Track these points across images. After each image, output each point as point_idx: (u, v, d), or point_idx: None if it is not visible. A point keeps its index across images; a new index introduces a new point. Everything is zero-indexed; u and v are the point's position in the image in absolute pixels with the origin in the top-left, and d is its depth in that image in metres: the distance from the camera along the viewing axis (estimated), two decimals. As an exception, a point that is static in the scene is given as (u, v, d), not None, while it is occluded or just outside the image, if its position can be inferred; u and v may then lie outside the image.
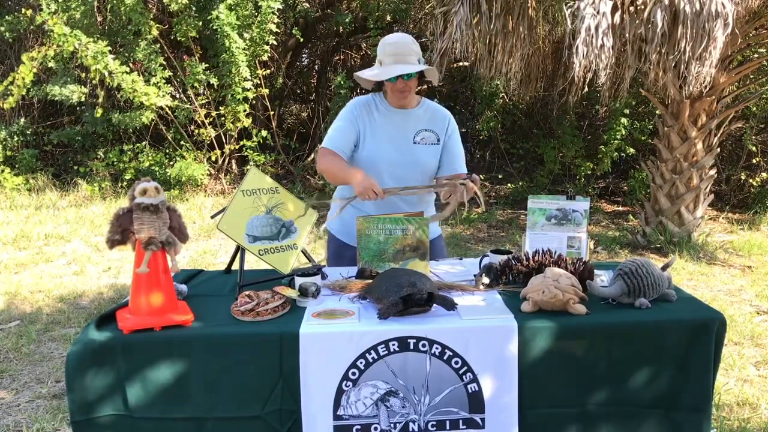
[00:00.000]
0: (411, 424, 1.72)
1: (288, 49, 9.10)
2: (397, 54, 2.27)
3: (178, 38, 7.49)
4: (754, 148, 7.90)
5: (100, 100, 7.53)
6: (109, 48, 7.02)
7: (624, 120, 7.72)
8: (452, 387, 1.72)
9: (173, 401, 1.69)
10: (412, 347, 1.70)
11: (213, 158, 8.06)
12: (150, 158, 7.89)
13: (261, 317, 1.78)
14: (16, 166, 8.16)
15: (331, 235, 2.63)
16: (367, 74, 2.33)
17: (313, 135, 9.01)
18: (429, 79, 2.43)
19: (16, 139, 8.16)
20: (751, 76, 7.02)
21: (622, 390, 1.75)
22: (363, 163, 2.41)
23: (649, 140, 7.98)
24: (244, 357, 1.69)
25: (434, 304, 1.80)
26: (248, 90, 7.52)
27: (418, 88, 2.45)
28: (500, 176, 8.77)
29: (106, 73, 6.99)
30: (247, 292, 1.88)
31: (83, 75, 7.66)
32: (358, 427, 1.71)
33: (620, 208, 7.95)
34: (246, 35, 7.31)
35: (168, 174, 7.71)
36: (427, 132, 2.44)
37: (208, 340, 1.69)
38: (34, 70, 7.10)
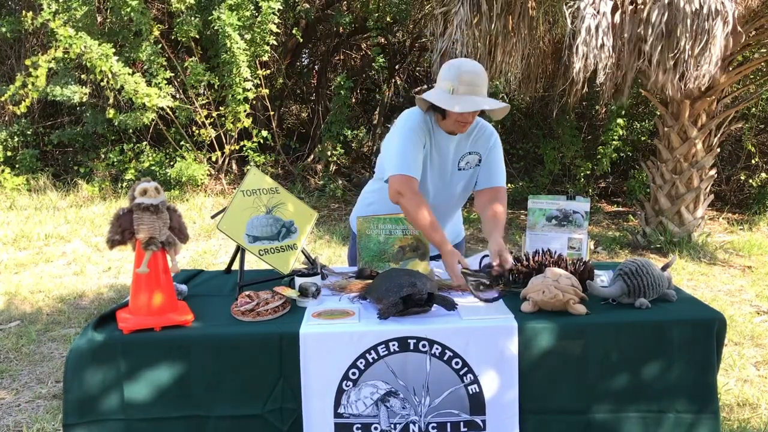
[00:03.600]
0: (411, 425, 1.72)
1: (288, 49, 9.09)
2: (473, 85, 2.10)
3: (179, 38, 7.49)
4: (753, 149, 7.90)
5: (111, 101, 7.53)
6: (113, 50, 7.03)
7: (621, 121, 7.71)
8: (453, 388, 1.72)
9: (173, 401, 1.69)
10: (412, 347, 1.70)
11: (213, 158, 8.06)
12: (150, 158, 7.89)
13: (261, 317, 1.78)
14: (17, 166, 8.16)
15: (354, 234, 2.49)
16: (441, 102, 2.11)
17: (313, 135, 9.01)
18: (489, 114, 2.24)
19: (16, 139, 8.16)
20: (751, 76, 7.02)
21: (622, 391, 1.75)
22: None
23: (649, 140, 7.99)
24: (245, 357, 1.69)
25: (434, 305, 1.80)
26: (248, 90, 7.52)
27: None
28: (500, 176, 8.76)
29: (110, 75, 7.00)
30: (247, 293, 1.88)
31: (83, 76, 7.66)
32: (359, 425, 1.71)
33: (620, 209, 7.95)
34: (246, 36, 7.31)
35: (168, 174, 7.71)
36: (471, 155, 2.32)
37: (208, 340, 1.69)
38: (45, 74, 7.09)
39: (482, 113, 2.26)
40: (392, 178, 2.16)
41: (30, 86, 7.04)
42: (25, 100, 7.11)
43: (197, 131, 7.88)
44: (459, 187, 2.36)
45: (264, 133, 7.99)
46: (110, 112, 7.40)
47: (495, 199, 2.32)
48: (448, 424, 1.72)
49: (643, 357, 1.75)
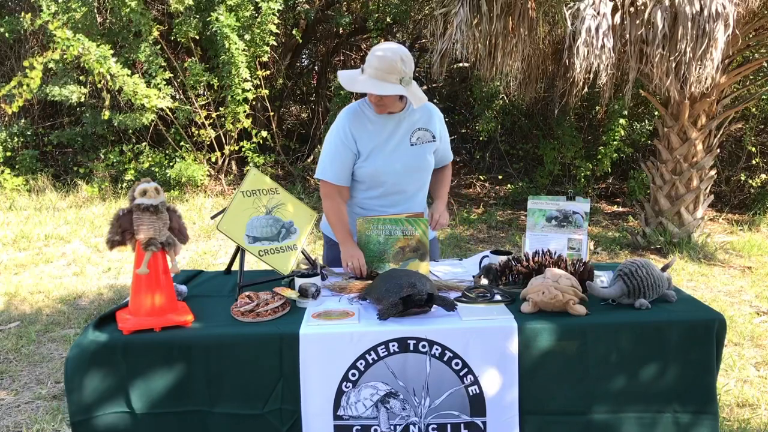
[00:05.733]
0: (411, 427, 1.72)
1: (288, 50, 9.10)
2: (378, 69, 2.17)
3: (178, 39, 7.49)
4: (753, 149, 7.90)
5: (107, 103, 7.53)
6: (112, 51, 7.02)
7: (622, 121, 7.72)
8: (453, 389, 1.72)
9: (173, 402, 1.69)
10: (412, 348, 1.70)
11: (213, 159, 8.06)
12: (150, 159, 7.89)
13: (261, 318, 1.78)
14: (16, 166, 8.15)
15: (325, 237, 2.57)
16: (343, 79, 2.29)
17: (313, 136, 9.01)
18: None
19: (16, 140, 8.15)
20: (751, 77, 7.02)
21: (622, 391, 1.75)
22: (365, 178, 2.35)
23: (649, 141, 7.99)
24: (245, 357, 1.69)
25: (434, 305, 1.79)
26: (248, 91, 7.52)
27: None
28: (500, 177, 8.77)
29: (109, 76, 7.00)
30: (247, 293, 1.88)
31: (82, 77, 7.65)
32: (358, 427, 1.71)
33: (620, 209, 7.95)
34: (246, 36, 7.31)
35: (168, 175, 7.71)
36: (421, 131, 2.40)
37: (208, 341, 1.69)
38: (40, 75, 7.09)
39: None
40: (321, 183, 2.41)
41: (25, 87, 7.03)
42: (17, 100, 7.11)
43: (197, 132, 7.88)
44: (413, 162, 2.38)
45: (264, 133, 7.99)
46: (105, 114, 7.40)
47: (444, 168, 2.60)
48: (449, 426, 1.72)
49: (643, 358, 1.75)
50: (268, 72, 8.01)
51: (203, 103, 7.73)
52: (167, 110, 7.49)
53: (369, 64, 2.21)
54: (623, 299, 1.87)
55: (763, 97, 7.51)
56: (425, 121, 2.41)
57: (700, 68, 4.40)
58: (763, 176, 7.81)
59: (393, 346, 1.70)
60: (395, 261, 2.19)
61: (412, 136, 2.37)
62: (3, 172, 7.95)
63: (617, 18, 4.66)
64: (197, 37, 7.58)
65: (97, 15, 7.55)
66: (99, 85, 7.32)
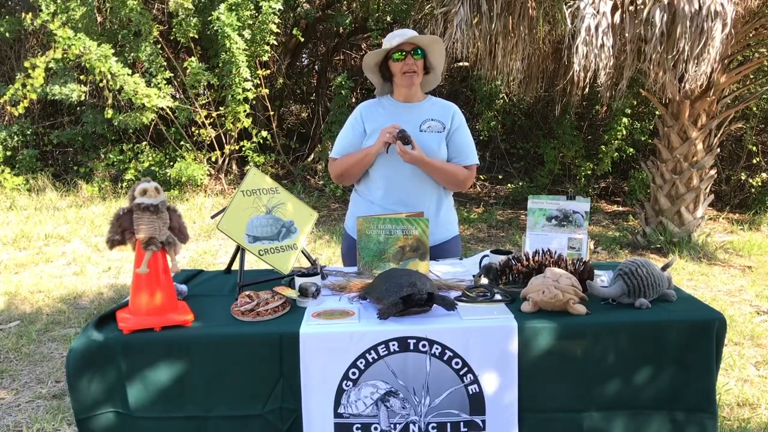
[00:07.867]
0: (411, 426, 1.72)
1: (288, 49, 9.10)
2: (403, 34, 2.39)
3: (178, 38, 7.49)
4: (754, 148, 7.90)
5: (109, 101, 7.53)
6: (112, 51, 7.03)
7: (624, 120, 7.72)
8: (453, 388, 1.72)
9: (173, 401, 1.69)
10: (412, 347, 1.70)
11: (213, 158, 8.07)
12: (150, 158, 7.90)
13: (261, 317, 1.78)
14: (16, 166, 8.16)
15: (345, 233, 2.68)
16: (376, 50, 2.42)
17: (313, 135, 9.01)
18: (433, 66, 2.52)
19: (16, 139, 8.16)
20: (752, 76, 7.03)
21: (622, 390, 1.75)
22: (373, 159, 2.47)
23: (649, 140, 7.99)
24: (245, 357, 1.69)
25: (434, 305, 1.79)
26: (248, 90, 7.52)
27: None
28: (500, 176, 8.77)
29: (109, 76, 7.00)
30: (247, 293, 1.88)
31: (82, 77, 7.66)
32: (359, 425, 1.71)
33: (620, 209, 7.95)
34: (246, 35, 7.31)
35: (168, 174, 7.72)
36: (433, 121, 2.50)
37: (208, 340, 1.69)
38: (43, 74, 7.09)
39: (427, 69, 2.53)
40: (329, 161, 2.61)
41: (29, 87, 7.04)
42: (23, 101, 7.12)
43: (197, 131, 7.88)
44: (425, 146, 2.45)
45: (264, 133, 7.99)
46: (108, 112, 7.40)
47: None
48: (448, 425, 1.72)
49: (643, 357, 1.74)
50: (268, 71, 8.02)
51: (203, 102, 7.73)
52: (167, 110, 7.49)
53: (393, 36, 2.41)
54: (623, 299, 1.86)
55: (764, 96, 7.51)
56: (439, 114, 2.53)
57: (696, 67, 4.41)
58: (764, 175, 7.81)
59: (393, 345, 1.70)
60: (395, 260, 2.19)
61: (422, 124, 2.49)
62: (3, 171, 7.95)
63: (617, 17, 4.66)
64: (197, 37, 7.59)
65: (97, 15, 7.55)
66: (100, 85, 7.32)
